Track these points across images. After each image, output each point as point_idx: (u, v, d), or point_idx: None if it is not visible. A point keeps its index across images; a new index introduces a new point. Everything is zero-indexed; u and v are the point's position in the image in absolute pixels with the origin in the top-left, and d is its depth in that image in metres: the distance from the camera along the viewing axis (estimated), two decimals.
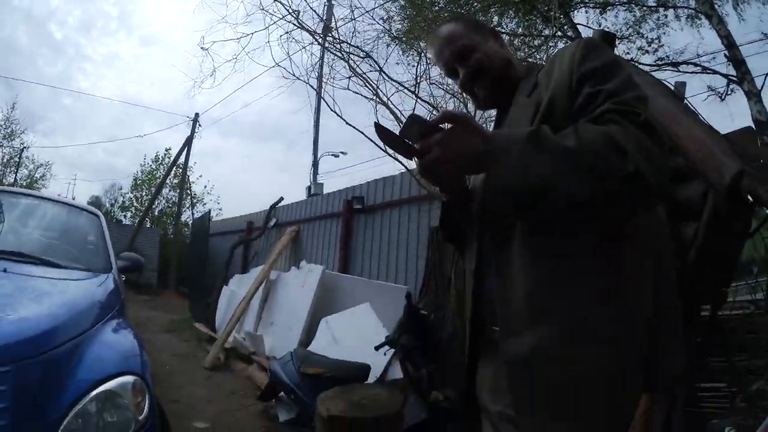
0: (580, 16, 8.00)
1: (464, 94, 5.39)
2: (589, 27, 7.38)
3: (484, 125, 1.59)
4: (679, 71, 6.85)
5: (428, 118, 1.30)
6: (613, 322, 1.20)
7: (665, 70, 6.73)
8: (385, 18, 6.83)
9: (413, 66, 6.95)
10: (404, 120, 1.26)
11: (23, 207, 4.26)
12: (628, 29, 7.70)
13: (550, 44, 7.07)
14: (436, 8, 7.00)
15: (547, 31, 7.15)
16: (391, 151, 5.64)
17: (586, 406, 1.19)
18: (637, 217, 1.29)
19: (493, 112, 1.76)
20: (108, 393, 2.21)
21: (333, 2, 6.65)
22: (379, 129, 1.30)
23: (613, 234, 1.25)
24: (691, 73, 6.96)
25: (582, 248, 1.24)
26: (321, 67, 7.36)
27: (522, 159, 1.14)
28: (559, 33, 7.08)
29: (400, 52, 7.05)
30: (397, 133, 1.29)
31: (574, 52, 1.34)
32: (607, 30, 6.34)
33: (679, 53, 7.15)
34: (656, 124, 1.20)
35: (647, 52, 7.15)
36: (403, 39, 6.83)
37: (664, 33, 7.50)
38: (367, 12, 6.43)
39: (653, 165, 1.12)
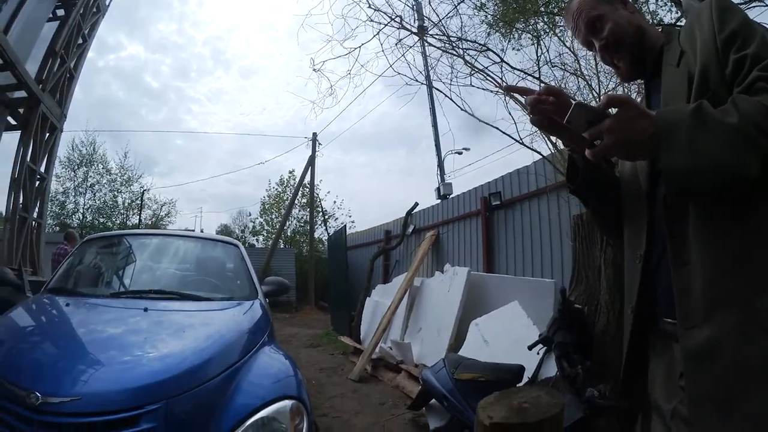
0: None
1: (598, 66, 5.16)
2: None
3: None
4: (766, 5, 6.24)
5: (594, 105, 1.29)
6: None
7: (754, 5, 6.14)
8: (478, 6, 6.68)
9: (518, 50, 6.78)
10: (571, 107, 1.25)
11: (160, 246, 4.50)
12: None
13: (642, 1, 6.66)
14: None
15: None
16: (527, 140, 5.48)
17: (760, 401, 1.13)
18: None
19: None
20: (266, 419, 2.26)
21: (431, 1, 6.53)
22: (549, 120, 1.34)
23: None
24: None
25: (754, 230, 1.21)
26: (426, 67, 7.30)
27: (690, 140, 1.14)
28: None
29: (502, 39, 6.90)
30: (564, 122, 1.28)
31: (711, 15, 1.34)
32: None
33: None
34: None
35: None
36: (500, 24, 6.65)
37: None
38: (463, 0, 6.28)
39: None
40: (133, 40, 74.21)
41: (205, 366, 2.37)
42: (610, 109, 1.25)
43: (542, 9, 6.16)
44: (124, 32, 78.13)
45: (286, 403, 2.37)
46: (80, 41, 13.09)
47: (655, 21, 6.34)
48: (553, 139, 5.01)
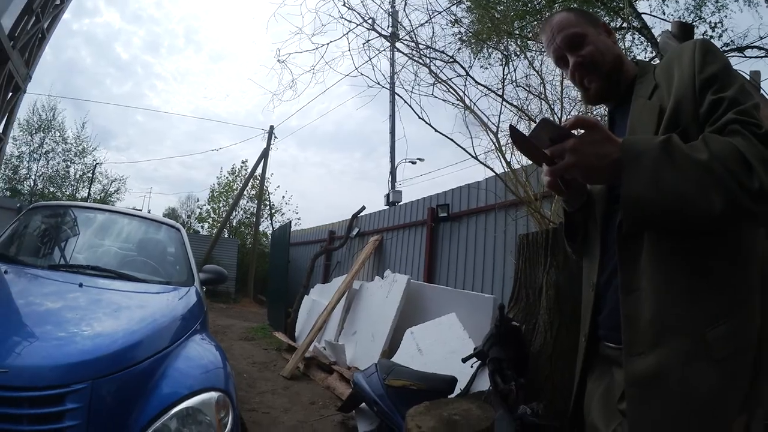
0: (642, 5, 7.80)
1: (563, 92, 5.22)
2: (654, 16, 7.15)
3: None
4: (745, 56, 6.55)
5: (560, 123, 1.26)
6: (730, 341, 1.19)
7: (732, 56, 6.43)
8: (453, 21, 6.75)
9: (486, 68, 6.84)
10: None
11: (103, 222, 4.38)
12: (690, 14, 7.42)
13: (618, 36, 6.85)
14: (501, 7, 6.87)
15: (613, 24, 6.93)
16: (481, 156, 5.50)
17: (699, 427, 1.17)
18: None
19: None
20: (190, 410, 2.19)
21: (405, 7, 6.57)
22: (513, 132, 1.30)
23: (735, 248, 1.22)
24: (755, 57, 6.68)
25: (708, 265, 1.23)
26: (392, 73, 7.31)
27: (655, 170, 1.14)
28: (625, 25, 6.89)
29: (471, 55, 7.00)
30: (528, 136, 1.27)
31: (693, 56, 1.35)
32: (683, 21, 6.08)
33: (743, 37, 6.84)
34: None
35: (712, 37, 6.84)
36: (473, 41, 6.73)
37: (725, 16, 7.24)
38: (439, 12, 6.32)
39: None
40: (111, 6, 72.32)
41: (134, 349, 2.29)
42: (576, 131, 1.25)
43: (516, 32, 6.22)
44: None
45: (213, 395, 2.30)
46: (57, 2, 12.62)
47: (630, 57, 6.50)
48: (508, 157, 5.04)
